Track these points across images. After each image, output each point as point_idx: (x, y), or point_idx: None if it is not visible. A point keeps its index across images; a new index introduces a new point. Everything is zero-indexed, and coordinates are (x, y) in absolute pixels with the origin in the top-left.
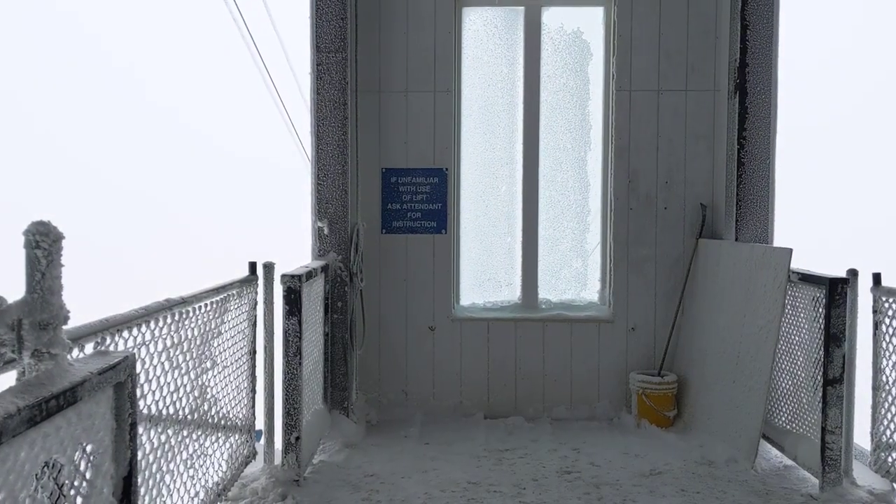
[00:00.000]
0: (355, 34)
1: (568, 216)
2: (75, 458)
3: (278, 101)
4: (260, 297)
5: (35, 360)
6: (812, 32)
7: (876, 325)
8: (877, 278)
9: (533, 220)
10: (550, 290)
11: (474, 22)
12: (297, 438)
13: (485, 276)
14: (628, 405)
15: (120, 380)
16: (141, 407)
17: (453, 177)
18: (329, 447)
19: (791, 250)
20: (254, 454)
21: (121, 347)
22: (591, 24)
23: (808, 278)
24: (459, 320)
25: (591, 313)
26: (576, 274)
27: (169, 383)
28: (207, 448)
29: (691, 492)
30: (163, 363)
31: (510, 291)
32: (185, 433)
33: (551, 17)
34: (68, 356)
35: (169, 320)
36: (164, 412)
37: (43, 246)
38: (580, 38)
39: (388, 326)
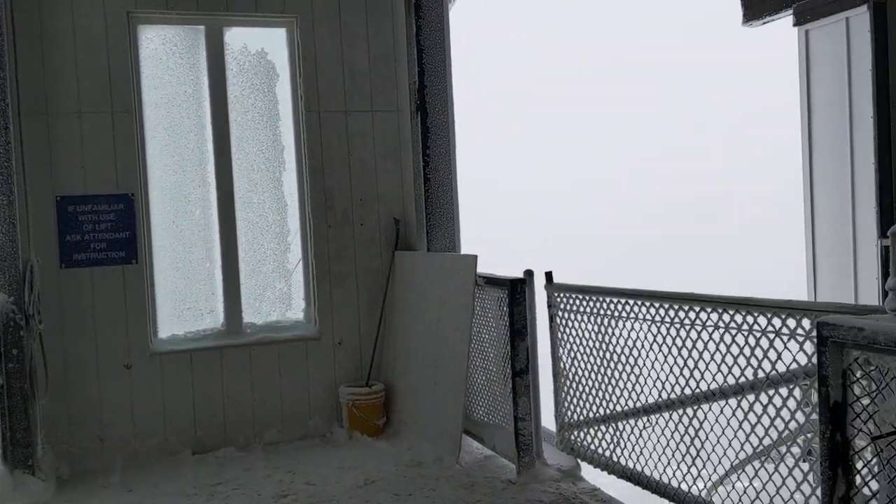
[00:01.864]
0: (14, 53)
1: (268, 237)
2: None
3: None
4: None
5: None
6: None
7: (552, 319)
8: (549, 276)
9: (232, 243)
10: (255, 314)
11: (152, 40)
12: None
13: (184, 305)
14: (340, 419)
15: None
16: None
17: (141, 202)
18: None
19: (476, 256)
20: None
21: None
22: (276, 44)
23: (492, 281)
24: (158, 354)
25: (297, 332)
26: (280, 295)
27: None
28: None
29: (404, 495)
30: None
31: (213, 318)
32: None
33: (234, 38)
34: None
35: None
36: None
37: None
38: (265, 58)
39: (76, 370)
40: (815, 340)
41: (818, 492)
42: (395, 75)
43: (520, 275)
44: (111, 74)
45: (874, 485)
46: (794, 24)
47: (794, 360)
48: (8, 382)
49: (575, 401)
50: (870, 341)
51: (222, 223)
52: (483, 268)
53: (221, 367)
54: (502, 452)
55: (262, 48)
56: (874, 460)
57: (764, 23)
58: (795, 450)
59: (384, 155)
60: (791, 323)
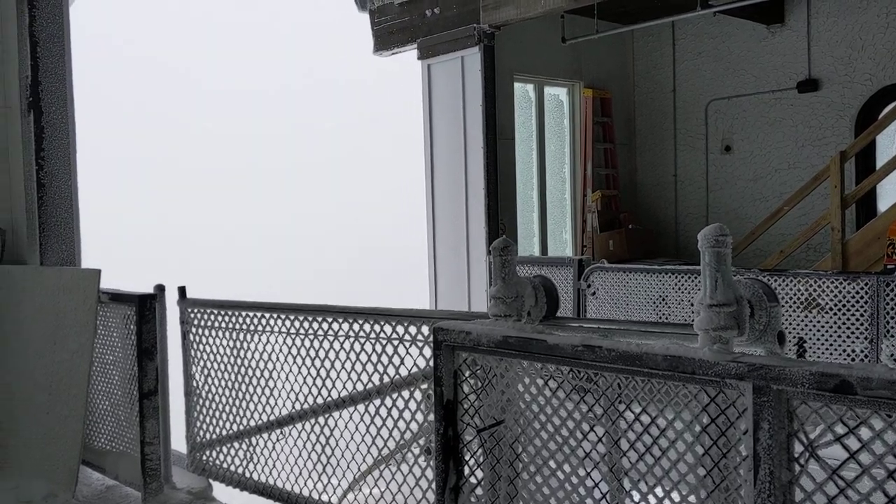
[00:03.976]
0: None
1: None
2: None
3: None
4: None
5: None
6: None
7: (184, 335)
8: (182, 291)
9: None
10: None
11: None
12: None
13: None
14: None
15: None
16: None
17: None
18: None
19: (99, 271)
20: None
21: None
22: None
23: (118, 297)
24: None
25: None
26: None
27: None
28: None
29: None
30: None
31: None
32: None
33: None
34: None
35: None
36: None
37: None
38: None
39: None
40: (432, 345)
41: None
42: (1, 68)
43: (150, 290)
44: None
45: (480, 473)
46: (419, 58)
47: (416, 364)
48: None
49: (208, 419)
50: (475, 343)
51: None
52: (112, 283)
53: None
54: (126, 481)
55: None
56: (479, 451)
57: (392, 53)
58: (417, 451)
59: None
60: (412, 330)
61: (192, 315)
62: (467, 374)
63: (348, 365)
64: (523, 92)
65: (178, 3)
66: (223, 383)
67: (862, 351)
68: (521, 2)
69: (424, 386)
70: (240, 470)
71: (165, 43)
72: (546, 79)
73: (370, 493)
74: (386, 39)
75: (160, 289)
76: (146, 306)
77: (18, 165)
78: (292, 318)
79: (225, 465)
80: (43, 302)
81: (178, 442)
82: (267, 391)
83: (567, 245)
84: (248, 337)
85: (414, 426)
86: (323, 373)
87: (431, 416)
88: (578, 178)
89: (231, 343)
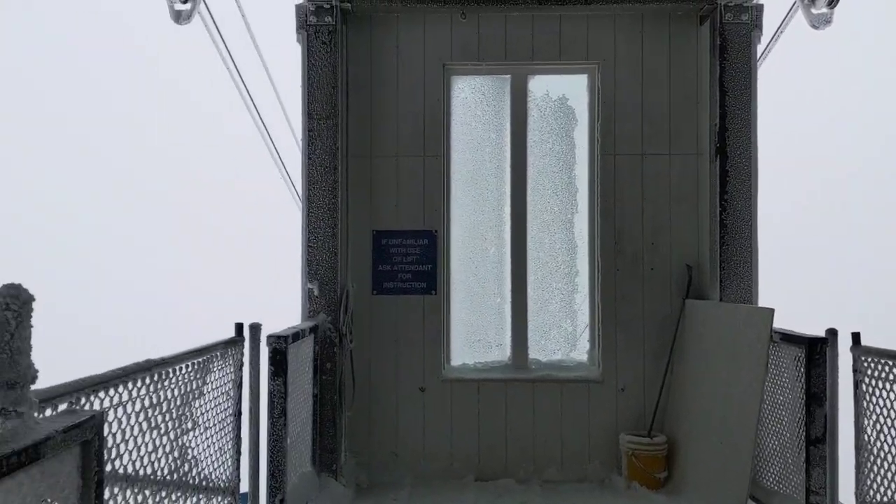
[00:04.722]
0: (346, 101)
1: (556, 277)
2: None
3: (280, 167)
4: (246, 359)
5: (1, 419)
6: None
7: (856, 385)
8: (856, 338)
9: (522, 280)
10: (540, 351)
11: (462, 90)
12: (282, 501)
13: (475, 337)
14: (619, 466)
15: (86, 438)
16: (117, 467)
17: (443, 239)
18: None
19: (773, 310)
20: None
21: (96, 407)
22: (576, 90)
23: (789, 338)
24: (450, 381)
25: (580, 374)
26: (566, 335)
27: (147, 443)
28: None
29: None
30: (140, 423)
31: (500, 352)
32: (164, 494)
33: (537, 85)
34: (36, 415)
35: (148, 381)
36: (142, 472)
37: (13, 308)
38: (565, 104)
39: (378, 387)
40: None
41: None
42: (695, 118)
43: (821, 333)
44: (425, 121)
45: None
46: None
47: None
48: (321, 392)
49: (879, 479)
50: None
51: (514, 261)
52: (784, 322)
53: (506, 399)
54: None
55: (563, 94)
56: None
57: None
58: None
59: (679, 199)
60: None
61: (866, 364)
62: None
63: None
64: None
65: None
66: None
67: None
68: None
69: None
70: None
71: None
72: None
73: None
74: None
75: (832, 333)
76: (816, 350)
77: (705, 208)
78: None
79: None
80: (720, 336)
81: (846, 496)
82: None
83: None
84: None
85: None
86: None
87: None
88: None
89: None
